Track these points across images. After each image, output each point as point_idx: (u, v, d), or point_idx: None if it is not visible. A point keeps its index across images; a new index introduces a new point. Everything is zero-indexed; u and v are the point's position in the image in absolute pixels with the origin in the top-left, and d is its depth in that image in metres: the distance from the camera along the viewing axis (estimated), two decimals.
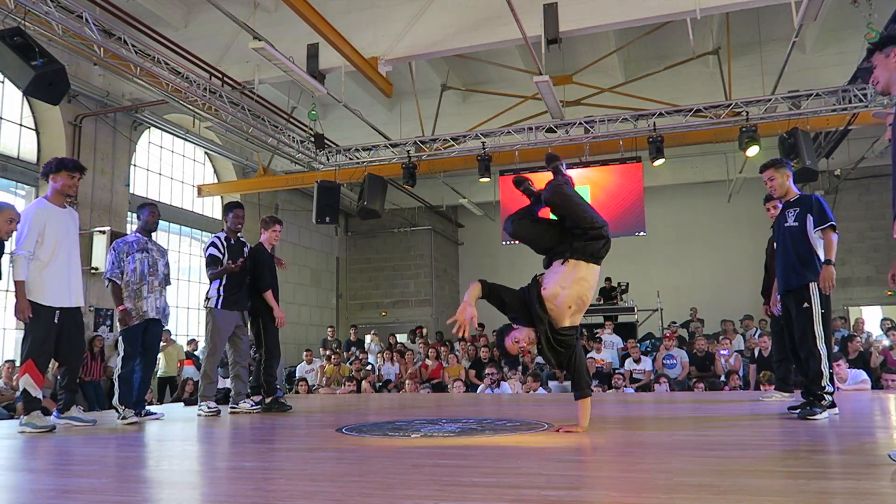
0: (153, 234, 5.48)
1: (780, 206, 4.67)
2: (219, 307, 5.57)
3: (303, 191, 13.96)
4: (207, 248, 5.72)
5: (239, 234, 5.91)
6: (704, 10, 7.94)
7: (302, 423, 5.11)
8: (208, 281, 5.75)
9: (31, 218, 4.41)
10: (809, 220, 4.33)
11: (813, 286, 4.24)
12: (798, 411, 4.26)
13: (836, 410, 4.28)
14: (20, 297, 4.28)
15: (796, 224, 4.39)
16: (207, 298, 5.66)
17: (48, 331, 4.41)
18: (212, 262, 5.62)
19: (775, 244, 4.72)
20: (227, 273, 5.58)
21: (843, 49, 11.09)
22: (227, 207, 6.01)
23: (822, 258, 4.28)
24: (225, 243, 5.69)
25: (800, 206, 4.43)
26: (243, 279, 5.77)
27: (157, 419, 5.21)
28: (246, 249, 5.84)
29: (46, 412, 4.76)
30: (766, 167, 4.62)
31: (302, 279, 15.30)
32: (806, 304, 4.24)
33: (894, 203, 2.53)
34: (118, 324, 5.15)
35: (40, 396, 4.44)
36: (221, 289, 5.61)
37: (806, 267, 4.29)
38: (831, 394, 4.19)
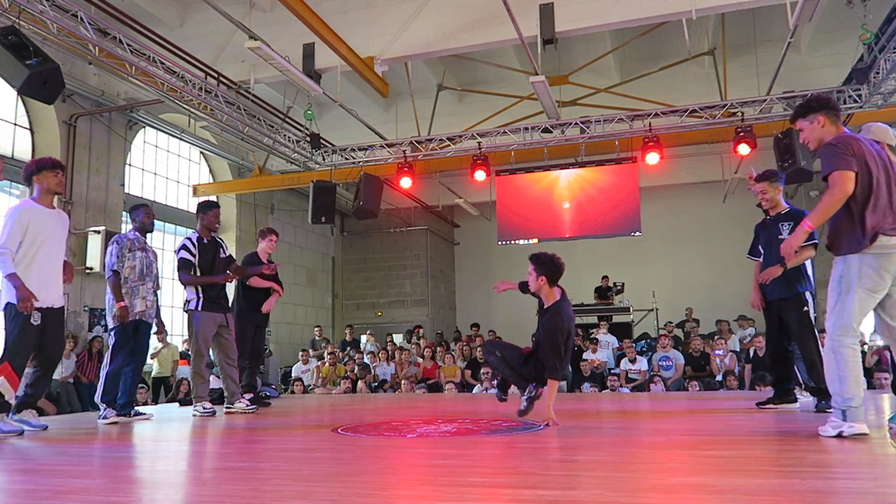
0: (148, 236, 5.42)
1: (768, 219, 4.84)
2: (199, 309, 5.53)
3: (299, 191, 13.94)
4: (178, 250, 5.62)
5: (213, 234, 5.79)
6: (700, 11, 7.95)
7: (297, 423, 5.10)
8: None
9: (14, 217, 4.33)
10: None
11: (808, 295, 4.56)
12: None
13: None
14: (20, 288, 4.20)
15: None
16: (187, 301, 5.62)
17: (30, 332, 4.30)
18: (184, 266, 5.53)
19: (761, 250, 4.88)
20: (209, 282, 5.54)
21: (837, 50, 11.13)
22: (206, 206, 5.81)
23: (811, 271, 4.60)
24: (197, 244, 5.60)
25: (793, 220, 4.58)
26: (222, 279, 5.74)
27: (146, 419, 5.17)
28: (222, 250, 5.76)
29: (41, 412, 4.70)
30: (759, 179, 4.77)
31: (297, 279, 15.28)
32: (805, 308, 4.53)
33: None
34: (113, 320, 5.00)
35: (13, 400, 4.35)
36: (200, 291, 5.57)
37: (798, 279, 4.57)
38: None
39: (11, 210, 4.45)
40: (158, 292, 5.46)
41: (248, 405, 5.70)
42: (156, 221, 5.53)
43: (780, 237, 4.54)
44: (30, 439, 4.04)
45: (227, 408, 5.69)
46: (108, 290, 5.10)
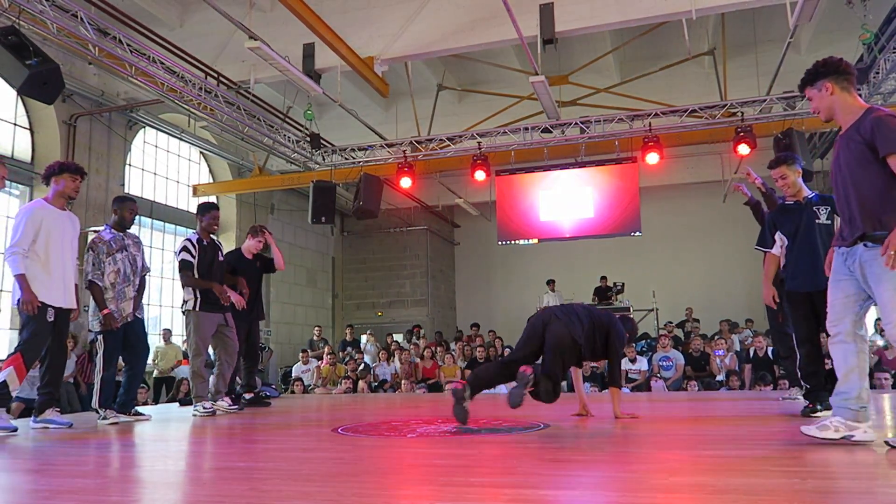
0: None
1: (790, 203, 4.47)
2: (197, 309, 5.54)
3: (298, 191, 13.94)
4: (179, 251, 5.63)
5: (213, 236, 5.83)
6: (700, 11, 7.96)
7: (297, 422, 5.10)
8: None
9: (28, 216, 4.39)
10: (838, 221, 4.30)
11: None
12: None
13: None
14: (25, 290, 4.26)
15: (829, 223, 4.27)
16: (184, 302, 5.61)
17: (45, 328, 4.37)
18: (185, 266, 5.53)
19: (778, 239, 4.48)
20: (206, 287, 5.53)
21: (837, 50, 11.02)
22: (205, 208, 5.86)
23: None
24: (197, 245, 5.61)
25: (830, 205, 4.28)
26: (220, 281, 5.74)
27: (145, 420, 5.15)
28: (220, 253, 5.78)
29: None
30: (777, 164, 4.43)
31: (297, 279, 15.28)
32: None
33: None
34: (96, 325, 4.92)
35: (14, 393, 4.37)
36: (198, 292, 5.56)
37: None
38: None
39: (25, 209, 4.51)
40: (147, 277, 5.37)
41: (230, 405, 5.73)
42: (156, 221, 5.52)
43: (817, 221, 4.23)
44: (30, 439, 4.04)
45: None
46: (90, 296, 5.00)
